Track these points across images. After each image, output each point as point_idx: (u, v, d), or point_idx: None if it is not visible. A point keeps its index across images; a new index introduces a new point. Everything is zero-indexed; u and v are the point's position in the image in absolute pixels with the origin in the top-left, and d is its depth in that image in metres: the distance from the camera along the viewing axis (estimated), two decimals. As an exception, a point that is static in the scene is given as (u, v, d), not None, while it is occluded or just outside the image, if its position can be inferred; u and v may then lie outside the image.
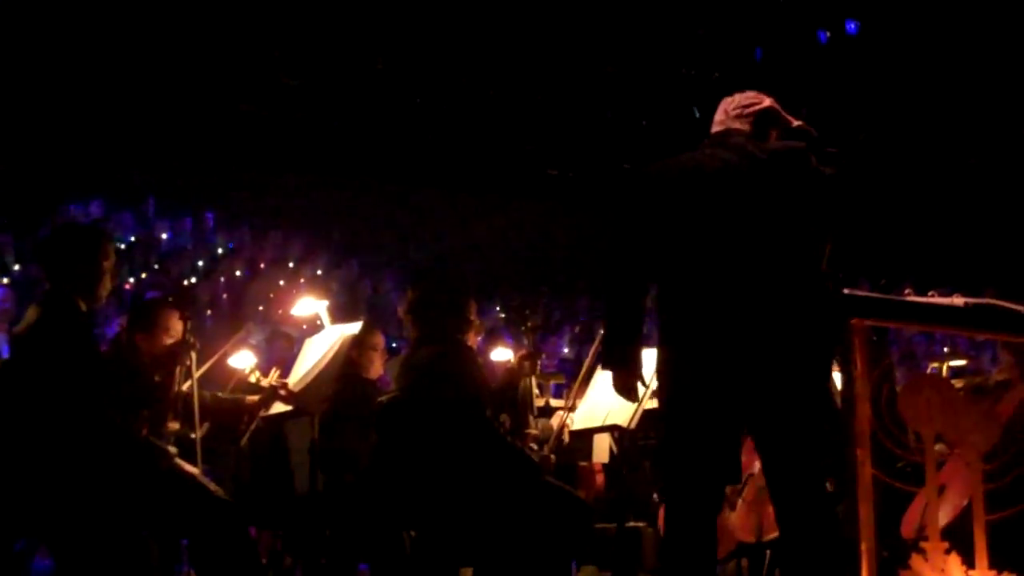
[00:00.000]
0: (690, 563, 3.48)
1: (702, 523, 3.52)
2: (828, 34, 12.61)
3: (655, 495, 6.14)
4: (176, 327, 4.84)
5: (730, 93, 3.92)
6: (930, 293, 4.53)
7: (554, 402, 6.29)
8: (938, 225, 12.88)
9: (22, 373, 4.19)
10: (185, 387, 4.88)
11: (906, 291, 4.49)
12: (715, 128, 3.83)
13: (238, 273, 12.33)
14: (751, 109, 3.79)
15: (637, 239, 3.61)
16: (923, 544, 4.61)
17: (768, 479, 3.62)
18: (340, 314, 6.56)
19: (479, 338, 5.54)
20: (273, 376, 5.46)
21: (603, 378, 5.39)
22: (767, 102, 3.85)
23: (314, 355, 5.21)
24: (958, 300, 4.87)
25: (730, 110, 3.82)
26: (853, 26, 12.72)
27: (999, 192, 12.48)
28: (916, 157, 12.54)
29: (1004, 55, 11.62)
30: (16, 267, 11.58)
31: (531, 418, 5.44)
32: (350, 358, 5.33)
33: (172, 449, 4.45)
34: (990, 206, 12.62)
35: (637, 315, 3.61)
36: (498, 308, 11.86)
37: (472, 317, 4.97)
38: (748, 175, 3.61)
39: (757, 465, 5.40)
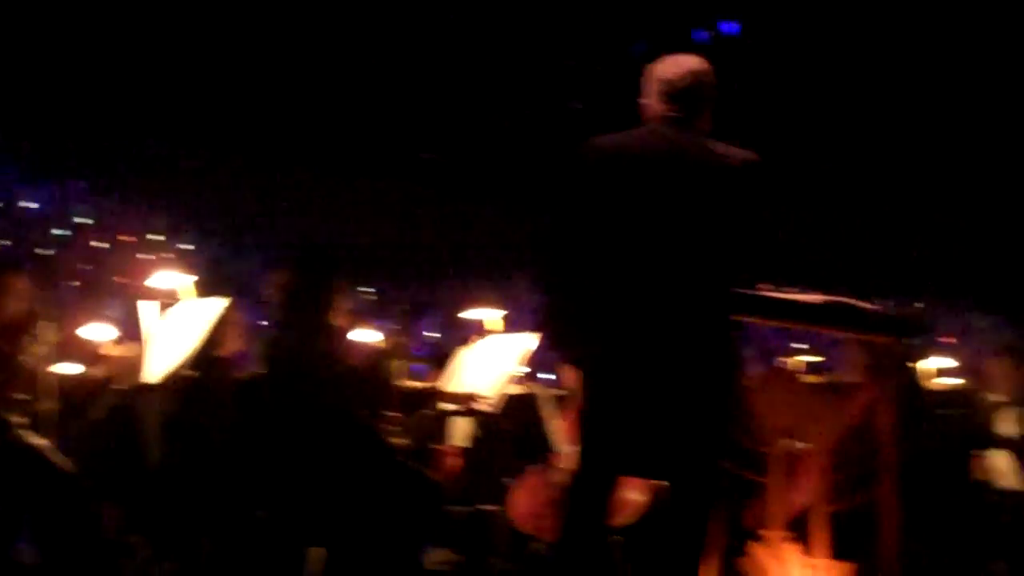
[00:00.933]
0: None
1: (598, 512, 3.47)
2: (710, 33, 12.80)
3: (509, 480, 6.19)
4: (24, 295, 4.71)
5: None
6: (786, 289, 4.65)
7: (412, 384, 6.29)
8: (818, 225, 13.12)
9: None
10: (36, 358, 4.77)
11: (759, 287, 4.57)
12: (651, 102, 3.61)
13: (99, 244, 12.03)
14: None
15: (580, 222, 3.43)
16: (763, 532, 4.75)
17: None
18: (204, 290, 6.45)
19: (346, 321, 5.52)
20: (129, 348, 5.35)
21: (467, 362, 5.43)
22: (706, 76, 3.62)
23: (175, 329, 5.13)
24: (813, 297, 5.01)
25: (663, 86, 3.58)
26: (733, 26, 12.93)
27: (883, 193, 12.76)
28: (796, 156, 12.82)
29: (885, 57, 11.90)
30: None
31: (393, 401, 5.45)
32: (208, 333, 5.25)
33: (19, 420, 4.34)
34: (878, 207, 12.90)
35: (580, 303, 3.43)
36: (365, 291, 11.80)
37: (341, 300, 4.95)
38: (692, 173, 3.46)
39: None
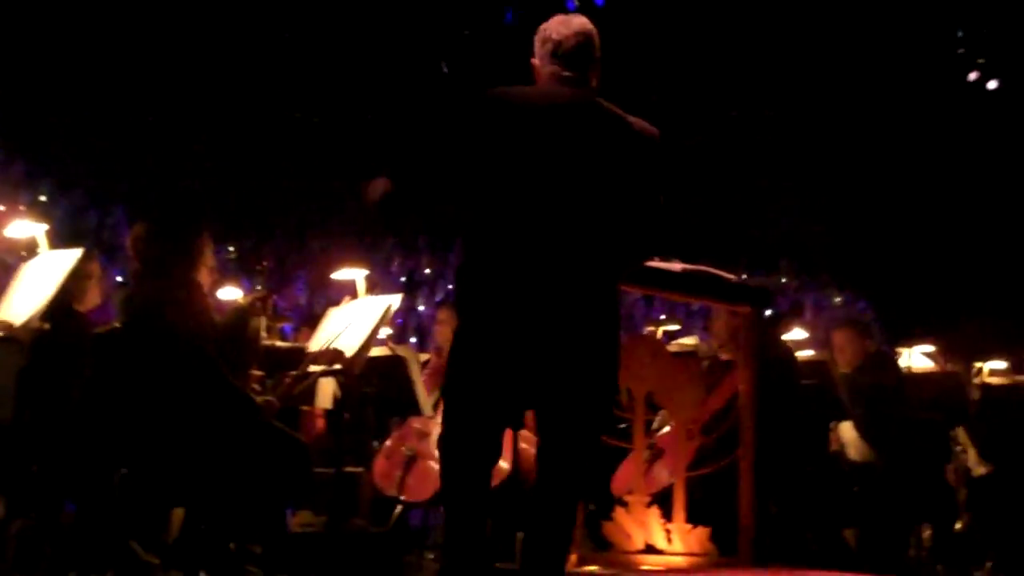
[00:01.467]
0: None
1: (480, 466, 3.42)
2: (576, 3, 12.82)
3: (373, 442, 6.18)
4: None
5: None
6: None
7: (280, 344, 6.20)
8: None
9: None
10: None
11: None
12: (542, 62, 3.57)
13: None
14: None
15: (447, 159, 3.45)
16: (626, 497, 4.83)
17: (541, 444, 3.50)
18: (62, 242, 6.27)
19: (210, 278, 5.41)
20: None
21: (333, 322, 5.37)
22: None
23: (33, 281, 4.98)
24: (675, 265, 5.09)
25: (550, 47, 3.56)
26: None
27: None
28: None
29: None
30: None
31: (258, 360, 5.36)
32: (64, 286, 5.11)
33: None
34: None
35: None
36: (231, 249, 11.63)
37: (201, 255, 4.84)
38: (592, 129, 3.45)
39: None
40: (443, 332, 6.54)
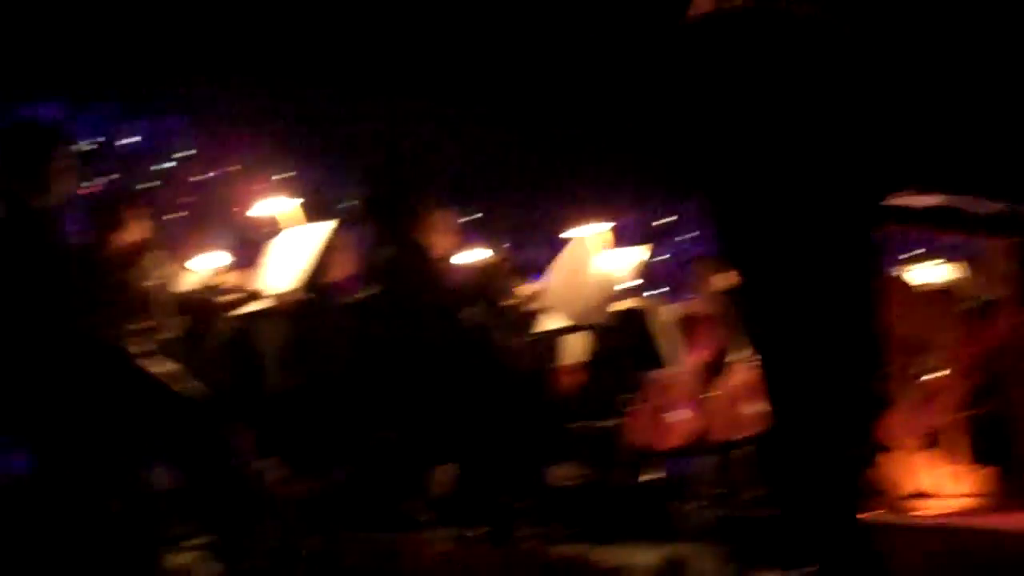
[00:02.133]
0: None
1: None
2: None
3: (627, 395, 6.17)
4: (139, 224, 4.75)
5: None
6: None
7: (528, 304, 6.24)
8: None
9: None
10: (152, 286, 4.82)
11: None
12: None
13: (202, 175, 12.17)
14: None
15: None
16: (895, 444, 4.67)
17: None
18: (309, 215, 6.48)
19: (451, 241, 5.49)
20: (242, 277, 5.38)
21: (575, 278, 5.37)
22: None
23: (286, 254, 5.15)
24: (930, 200, 4.86)
25: None
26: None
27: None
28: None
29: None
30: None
31: (507, 319, 5.43)
32: (321, 257, 5.26)
33: (144, 348, 4.39)
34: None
35: None
36: (471, 211, 11.79)
37: (431, 217, 4.89)
38: None
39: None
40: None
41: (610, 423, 5.79)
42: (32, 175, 4.14)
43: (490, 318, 5.46)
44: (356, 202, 4.96)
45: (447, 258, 5.27)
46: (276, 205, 5.75)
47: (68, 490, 3.99)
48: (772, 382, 3.59)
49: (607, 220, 5.94)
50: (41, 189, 4.17)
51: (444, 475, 5.12)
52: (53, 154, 4.21)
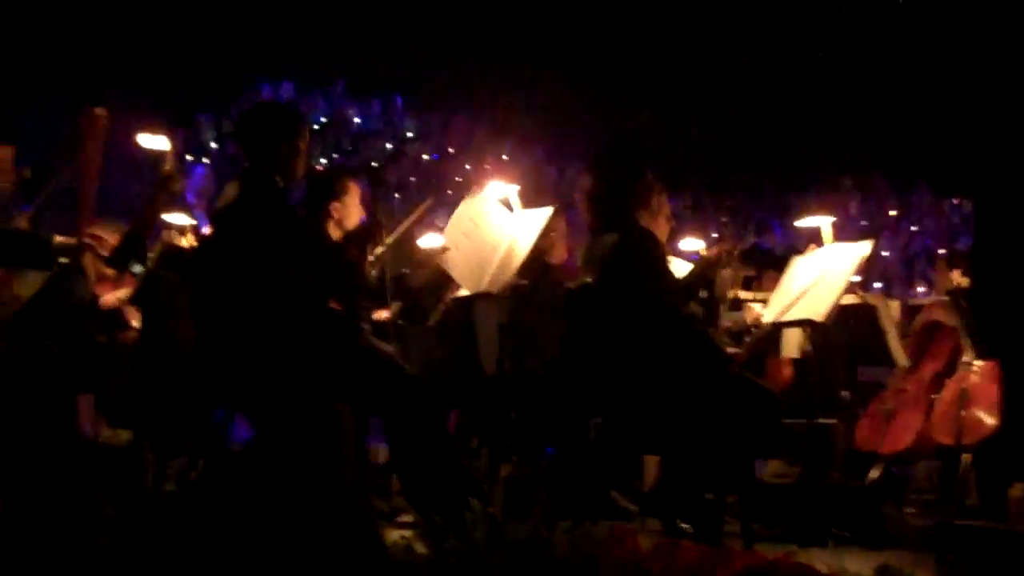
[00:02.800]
0: None
1: None
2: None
3: (844, 392, 6.01)
4: (366, 205, 4.88)
5: None
6: None
7: (743, 294, 6.15)
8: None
9: (223, 249, 4.26)
10: (378, 267, 4.95)
11: None
12: None
13: (425, 157, 12.43)
14: None
15: None
16: None
17: None
18: (526, 199, 6.54)
19: (667, 227, 5.43)
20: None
21: (798, 269, 5.24)
22: None
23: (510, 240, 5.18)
24: None
25: None
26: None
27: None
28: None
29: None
30: (213, 145, 11.92)
31: (724, 310, 5.34)
32: (538, 243, 5.29)
33: (365, 327, 4.51)
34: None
35: None
36: (686, 199, 11.68)
37: (655, 203, 4.84)
38: None
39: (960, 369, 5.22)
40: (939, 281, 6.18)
41: (829, 421, 5.63)
42: (277, 154, 4.29)
43: (708, 309, 5.40)
44: (585, 184, 4.92)
45: (668, 243, 5.22)
46: (499, 189, 5.77)
47: (295, 462, 4.13)
48: (1011, 388, 3.43)
49: (829, 212, 5.78)
50: (286, 168, 4.31)
51: (651, 466, 5.09)
52: (296, 134, 4.35)
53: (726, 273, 5.26)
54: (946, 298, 5.48)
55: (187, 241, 5.25)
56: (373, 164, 11.67)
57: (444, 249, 5.16)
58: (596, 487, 4.85)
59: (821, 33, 11.70)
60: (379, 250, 4.90)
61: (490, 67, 12.92)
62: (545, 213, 5.25)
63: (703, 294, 5.35)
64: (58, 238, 5.24)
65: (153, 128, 5.17)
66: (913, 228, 12.04)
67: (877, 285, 11.01)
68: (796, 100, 11.96)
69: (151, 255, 5.20)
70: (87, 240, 5.32)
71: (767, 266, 7.13)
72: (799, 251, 5.56)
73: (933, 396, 5.50)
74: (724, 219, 5.43)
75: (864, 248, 5.12)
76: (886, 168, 12.58)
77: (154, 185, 4.99)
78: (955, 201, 12.17)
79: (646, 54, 12.48)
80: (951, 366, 5.51)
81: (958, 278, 5.24)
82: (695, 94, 12.76)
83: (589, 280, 4.93)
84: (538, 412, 5.03)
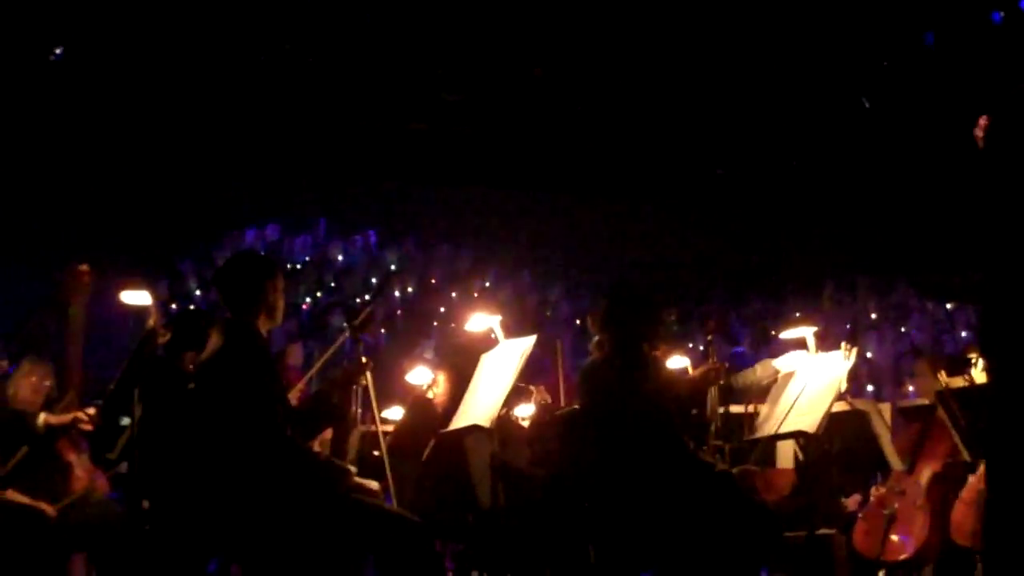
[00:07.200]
0: None
1: None
2: (1002, 14, 12.01)
3: (843, 501, 5.96)
4: (358, 350, 4.90)
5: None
6: None
7: (733, 408, 6.13)
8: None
9: (209, 399, 4.27)
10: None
11: None
12: None
13: (409, 289, 12.51)
14: None
15: None
16: None
17: None
18: (510, 327, 6.56)
19: (663, 350, 5.44)
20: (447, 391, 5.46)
21: (788, 384, 5.24)
22: None
23: (495, 372, 5.18)
24: None
25: None
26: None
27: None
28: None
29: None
30: (197, 292, 11.99)
31: (714, 428, 5.34)
32: (519, 372, 5.28)
33: (352, 468, 4.49)
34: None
35: None
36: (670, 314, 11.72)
37: (661, 330, 4.89)
38: None
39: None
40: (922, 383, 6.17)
41: (829, 531, 5.58)
42: (257, 303, 4.32)
43: (694, 428, 5.38)
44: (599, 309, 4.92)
45: (664, 367, 5.22)
46: (483, 320, 5.79)
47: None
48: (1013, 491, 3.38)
49: (812, 323, 5.78)
50: (266, 314, 4.35)
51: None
52: (272, 282, 4.39)
53: (713, 391, 5.27)
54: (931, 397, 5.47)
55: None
56: (357, 299, 11.74)
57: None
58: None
59: (791, 141, 11.89)
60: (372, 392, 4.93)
61: (469, 195, 13.08)
62: (529, 342, 5.25)
63: (694, 412, 5.35)
64: (51, 419, 5.23)
65: (135, 284, 5.20)
66: (902, 329, 12.10)
67: (869, 389, 11.01)
68: (773, 210, 12.11)
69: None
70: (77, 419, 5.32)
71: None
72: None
73: (938, 500, 5.45)
74: (709, 337, 5.45)
75: (844, 360, 5.11)
76: (867, 269, 12.70)
77: (139, 341, 5.01)
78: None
79: (624, 171, 12.64)
80: (949, 467, 5.48)
81: (944, 379, 5.23)
82: (673, 210, 12.92)
83: (579, 406, 4.93)
84: (536, 541, 4.98)
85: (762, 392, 5.46)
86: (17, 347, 6.08)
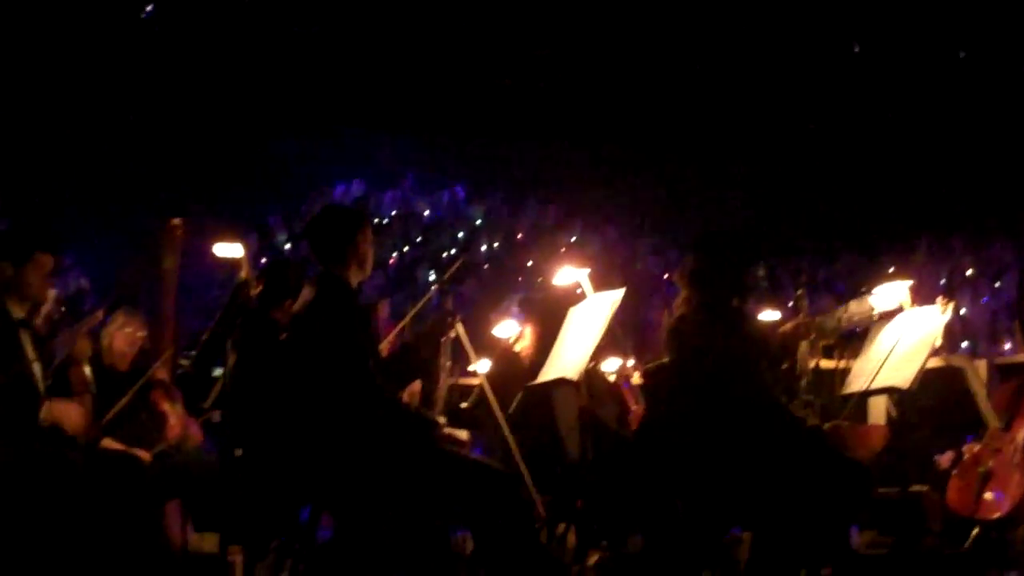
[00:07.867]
0: None
1: None
2: None
3: (936, 458, 5.87)
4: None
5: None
6: None
7: (825, 363, 6.06)
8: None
9: (302, 351, 4.32)
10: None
11: None
12: None
13: (496, 244, 12.52)
14: None
15: None
16: None
17: None
18: (597, 281, 6.54)
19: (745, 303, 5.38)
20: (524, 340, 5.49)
21: (881, 337, 5.15)
22: None
23: (583, 326, 5.17)
24: None
25: None
26: None
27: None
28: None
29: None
30: (287, 246, 12.14)
31: (805, 383, 5.28)
32: (610, 325, 5.26)
33: (442, 419, 4.52)
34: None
35: None
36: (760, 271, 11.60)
37: (749, 283, 4.83)
38: None
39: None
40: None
41: (922, 488, 5.51)
42: (347, 255, 4.36)
43: (784, 382, 5.33)
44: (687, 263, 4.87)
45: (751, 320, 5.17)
46: (571, 274, 5.76)
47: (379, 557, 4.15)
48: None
49: (907, 276, 5.67)
50: (356, 267, 4.38)
51: (743, 540, 5.00)
52: (361, 235, 4.42)
53: (804, 345, 5.20)
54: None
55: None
56: (445, 254, 11.79)
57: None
58: (688, 568, 4.78)
59: (884, 96, 11.68)
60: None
61: (557, 149, 13.03)
62: (617, 295, 5.22)
63: (784, 366, 5.29)
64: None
65: (227, 236, 5.26)
66: (996, 284, 11.83)
67: (964, 345, 10.79)
68: (866, 165, 11.93)
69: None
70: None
71: (847, 334, 7.03)
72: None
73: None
74: (799, 291, 5.36)
75: (939, 314, 5.00)
76: (962, 226, 12.44)
77: (232, 293, 5.07)
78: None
79: (713, 126, 12.53)
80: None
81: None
82: (764, 165, 12.78)
83: (666, 360, 4.90)
84: (623, 495, 4.98)
85: (857, 330, 5.34)
86: (112, 299, 6.19)
